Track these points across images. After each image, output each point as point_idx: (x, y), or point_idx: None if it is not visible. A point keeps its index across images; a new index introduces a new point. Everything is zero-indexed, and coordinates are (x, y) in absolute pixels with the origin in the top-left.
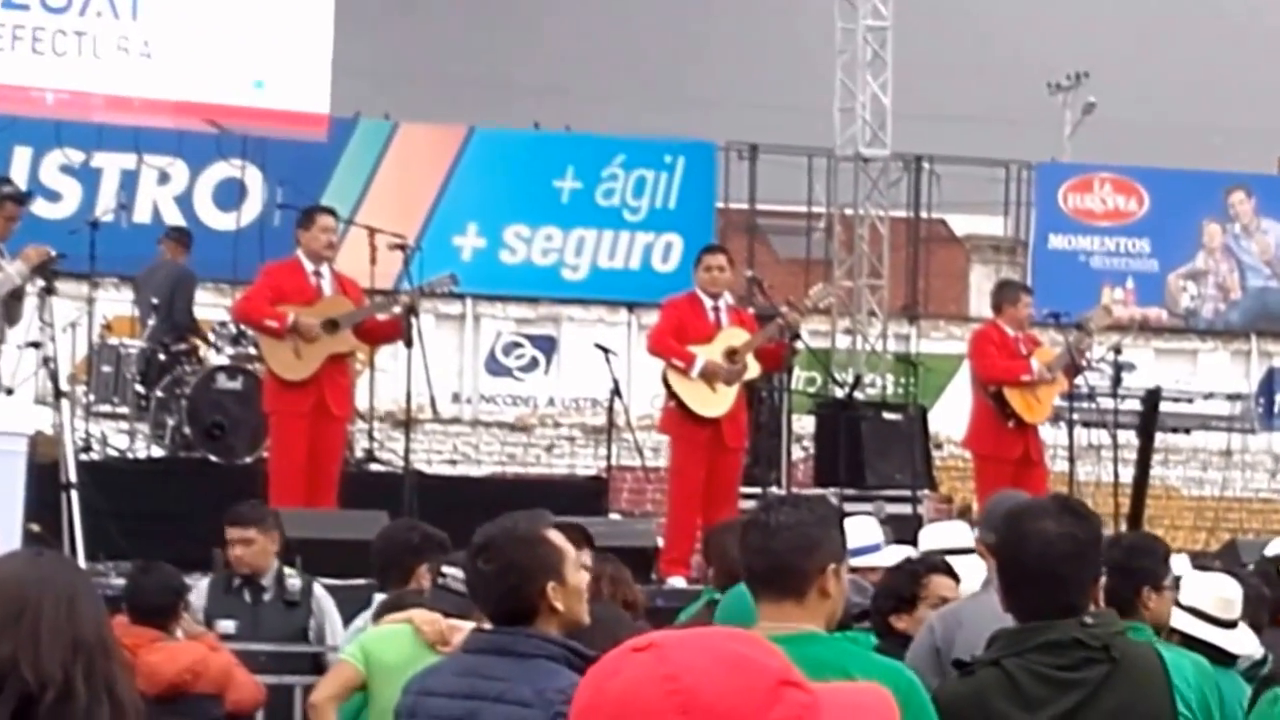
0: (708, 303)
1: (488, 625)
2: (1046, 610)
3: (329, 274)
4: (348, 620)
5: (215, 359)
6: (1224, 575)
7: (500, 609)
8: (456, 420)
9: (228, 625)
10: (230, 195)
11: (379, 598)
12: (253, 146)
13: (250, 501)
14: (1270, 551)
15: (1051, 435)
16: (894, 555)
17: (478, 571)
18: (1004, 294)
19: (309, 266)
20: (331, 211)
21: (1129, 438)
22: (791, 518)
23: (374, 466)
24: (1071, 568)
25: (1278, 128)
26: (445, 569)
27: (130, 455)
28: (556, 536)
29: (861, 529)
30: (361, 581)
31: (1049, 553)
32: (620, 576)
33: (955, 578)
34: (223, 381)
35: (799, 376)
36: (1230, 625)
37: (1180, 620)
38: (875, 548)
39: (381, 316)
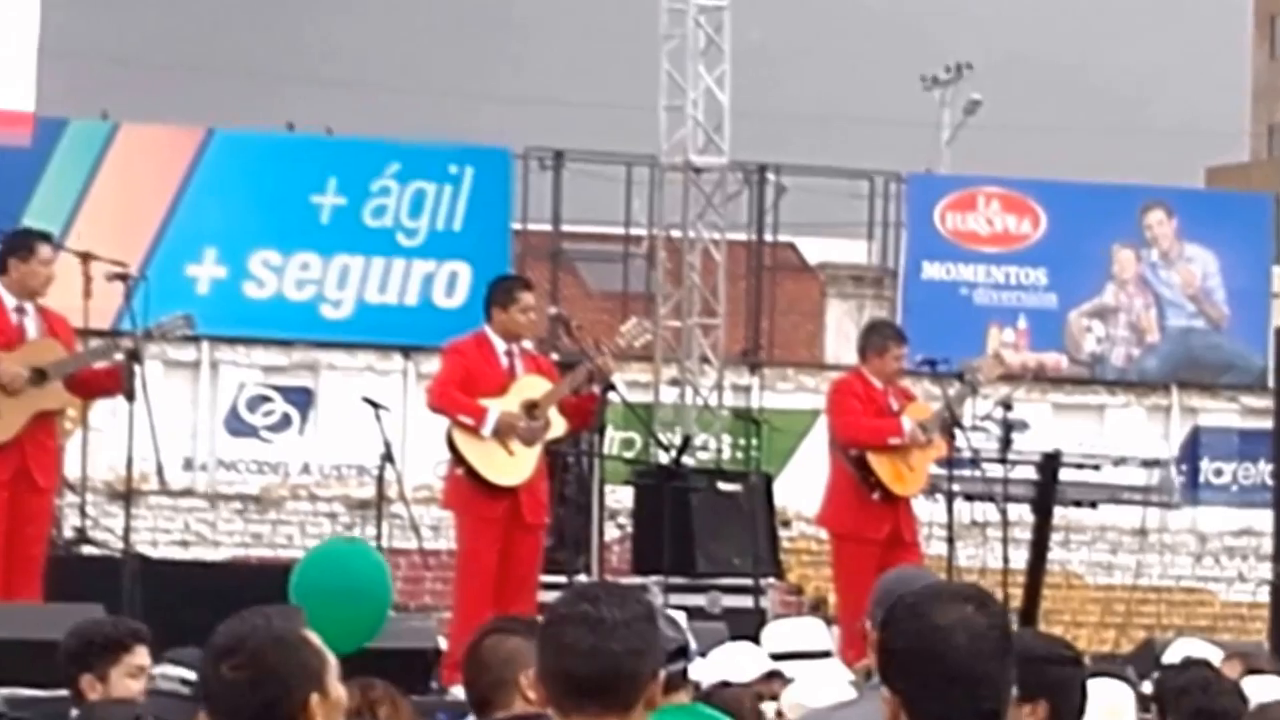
0: (500, 346)
1: None
2: None
3: (34, 311)
4: None
5: None
6: (1118, 683)
7: None
8: (189, 492)
9: None
10: None
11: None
12: None
13: None
14: (1176, 656)
15: (927, 510)
16: (729, 660)
17: (222, 679)
18: (870, 340)
19: (9, 302)
20: (49, 238)
21: (1022, 513)
22: (626, 612)
23: (87, 549)
24: (1000, 668)
25: (1206, 130)
26: (162, 669)
27: None
28: (317, 639)
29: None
30: (67, 693)
31: (979, 648)
32: (399, 708)
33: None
34: None
35: (613, 438)
36: None
37: None
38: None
39: (98, 365)
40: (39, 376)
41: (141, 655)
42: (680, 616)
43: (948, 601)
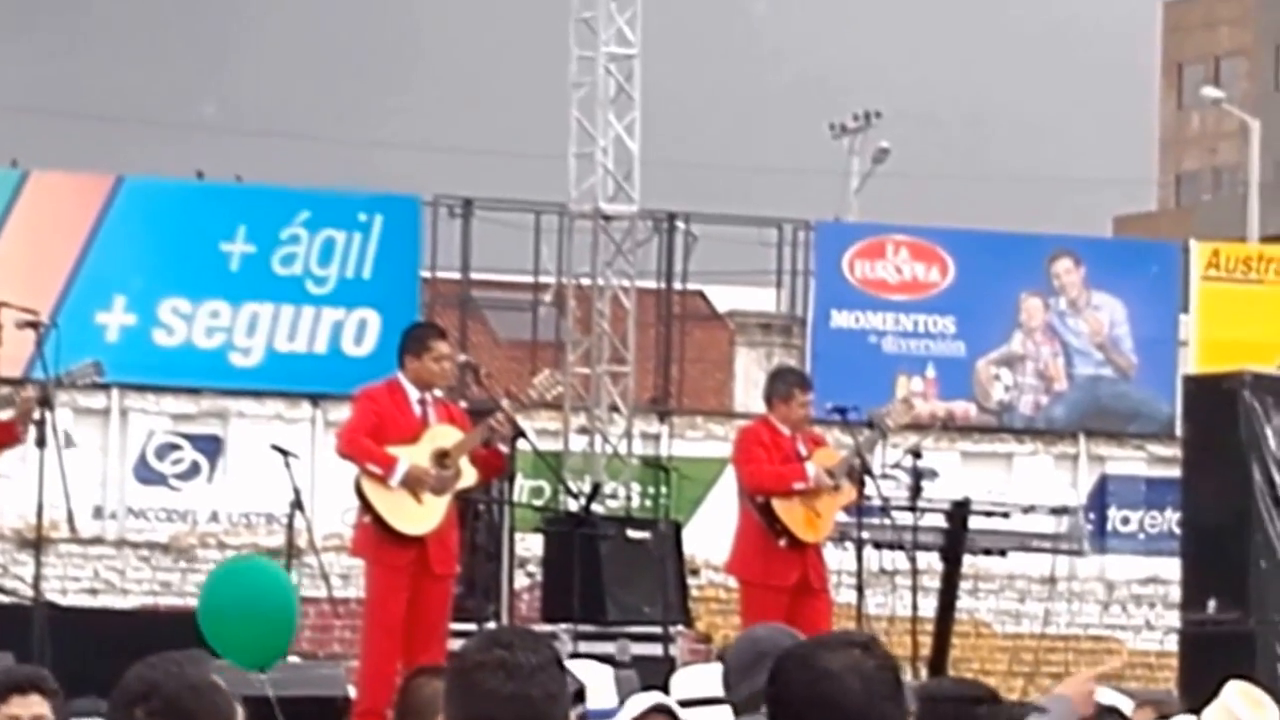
0: (413, 394)
1: None
2: None
3: None
4: None
5: None
6: None
7: None
8: (98, 540)
9: None
10: None
11: None
12: None
13: None
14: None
15: (836, 558)
16: (638, 706)
17: None
18: (775, 387)
19: None
20: None
21: (930, 561)
22: (539, 656)
23: None
24: (895, 708)
25: (1112, 178)
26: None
27: None
28: (225, 686)
29: (595, 680)
30: None
31: (873, 690)
32: None
33: None
34: None
35: (523, 486)
36: None
37: None
38: (610, 713)
39: (2, 416)
40: None
41: (36, 703)
42: (605, 670)
43: (835, 648)
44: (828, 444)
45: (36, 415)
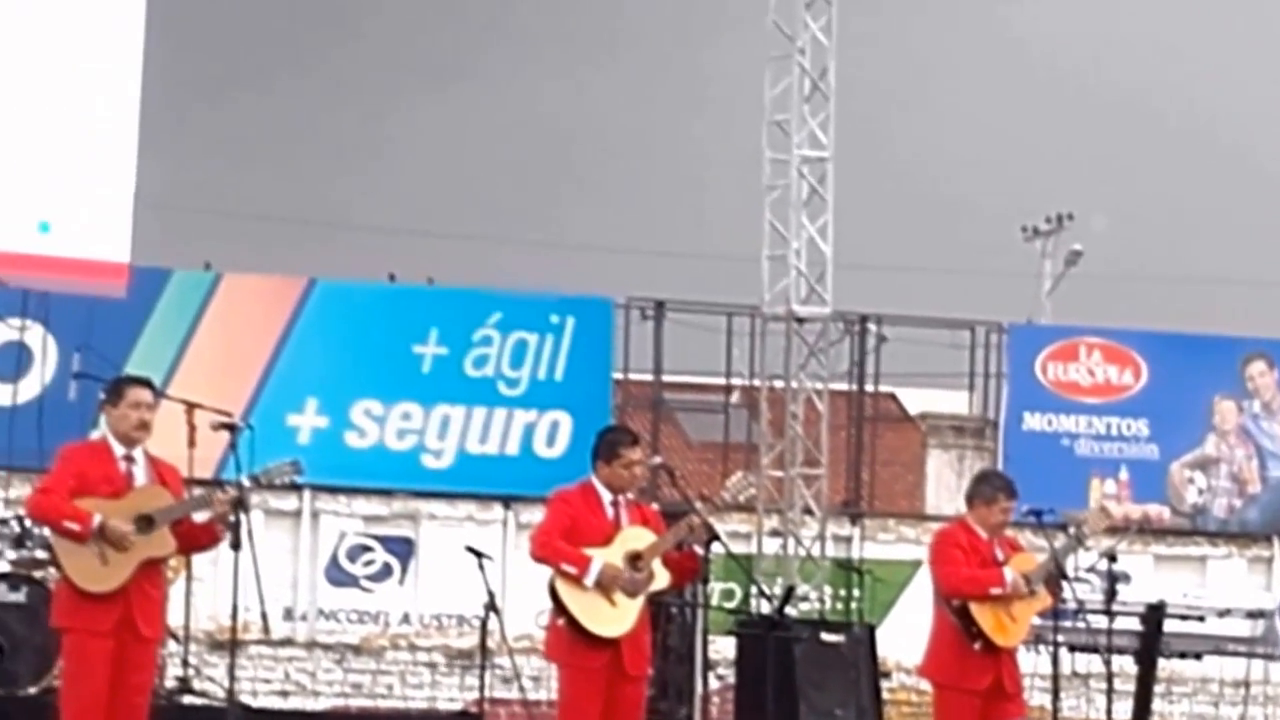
0: (606, 496)
1: None
2: None
3: (143, 459)
4: None
5: None
6: None
7: None
8: (289, 641)
9: None
10: (8, 362)
11: None
12: (35, 302)
13: None
14: None
15: (1030, 661)
16: None
17: None
18: (980, 489)
19: (119, 450)
20: (146, 383)
21: (1125, 664)
22: None
23: (189, 699)
24: None
25: None
26: None
27: None
28: None
29: None
30: None
31: None
32: None
33: None
34: (2, 593)
35: (716, 588)
36: None
37: None
38: None
39: (199, 518)
40: (145, 524)
41: None
42: None
43: None
44: (1024, 549)
45: (231, 517)
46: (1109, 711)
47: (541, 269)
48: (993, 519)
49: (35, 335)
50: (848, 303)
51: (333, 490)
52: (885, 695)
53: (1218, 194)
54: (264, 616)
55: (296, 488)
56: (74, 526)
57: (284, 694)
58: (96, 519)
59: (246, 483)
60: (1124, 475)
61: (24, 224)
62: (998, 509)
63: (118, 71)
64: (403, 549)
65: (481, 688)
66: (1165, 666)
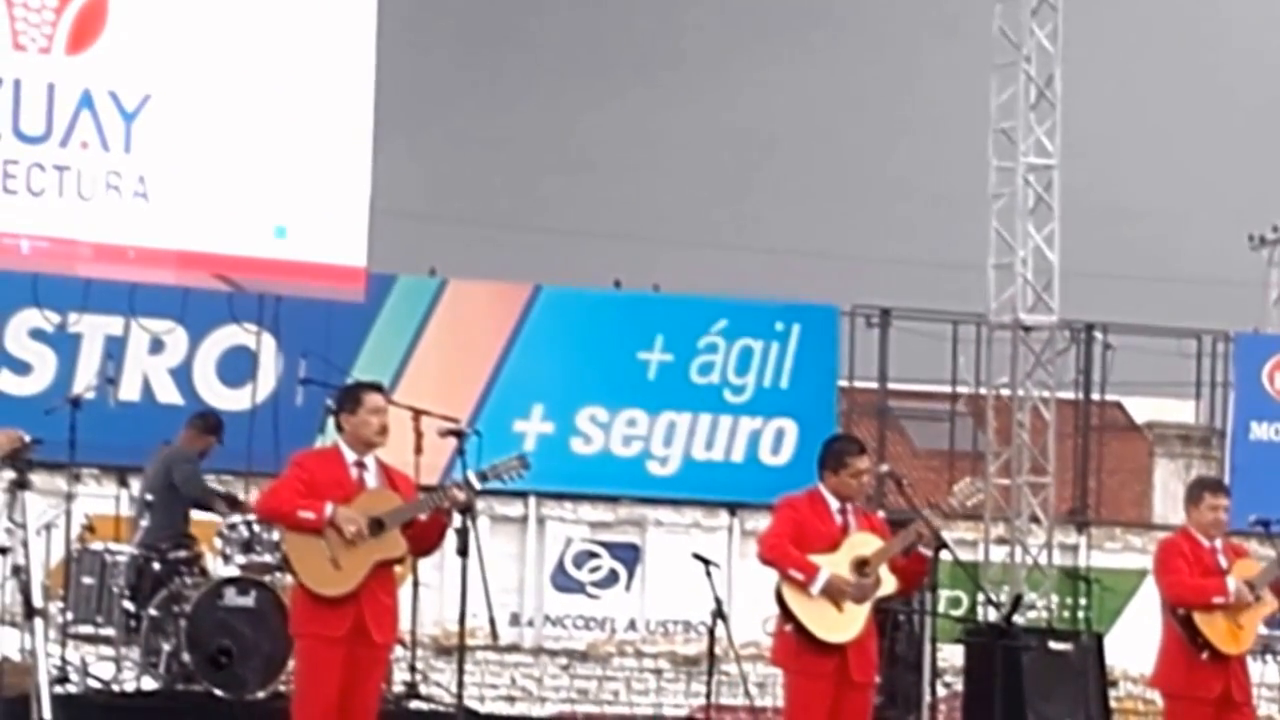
0: (833, 504)
1: None
2: None
3: (375, 466)
4: None
5: (223, 569)
6: None
7: None
8: (515, 647)
9: None
10: (239, 367)
11: None
12: (268, 307)
13: None
14: None
15: (1255, 670)
16: None
17: None
18: (1189, 493)
19: (350, 456)
20: (380, 388)
21: None
22: None
23: (416, 704)
24: None
25: None
26: None
27: (116, 688)
28: None
29: None
30: None
31: None
32: None
33: None
34: (232, 597)
35: (943, 596)
36: None
37: None
38: None
39: (423, 516)
40: (377, 526)
41: None
42: None
43: None
44: (1248, 553)
45: (458, 524)
46: None
47: (766, 276)
48: (1204, 519)
49: (265, 342)
50: (1074, 311)
51: (558, 496)
52: (1113, 704)
53: None
54: (491, 622)
55: (522, 494)
56: (309, 515)
57: (510, 700)
58: (329, 508)
59: (474, 479)
60: None
61: (260, 229)
62: (1205, 507)
63: (352, 77)
64: (629, 555)
65: (709, 694)
66: None
